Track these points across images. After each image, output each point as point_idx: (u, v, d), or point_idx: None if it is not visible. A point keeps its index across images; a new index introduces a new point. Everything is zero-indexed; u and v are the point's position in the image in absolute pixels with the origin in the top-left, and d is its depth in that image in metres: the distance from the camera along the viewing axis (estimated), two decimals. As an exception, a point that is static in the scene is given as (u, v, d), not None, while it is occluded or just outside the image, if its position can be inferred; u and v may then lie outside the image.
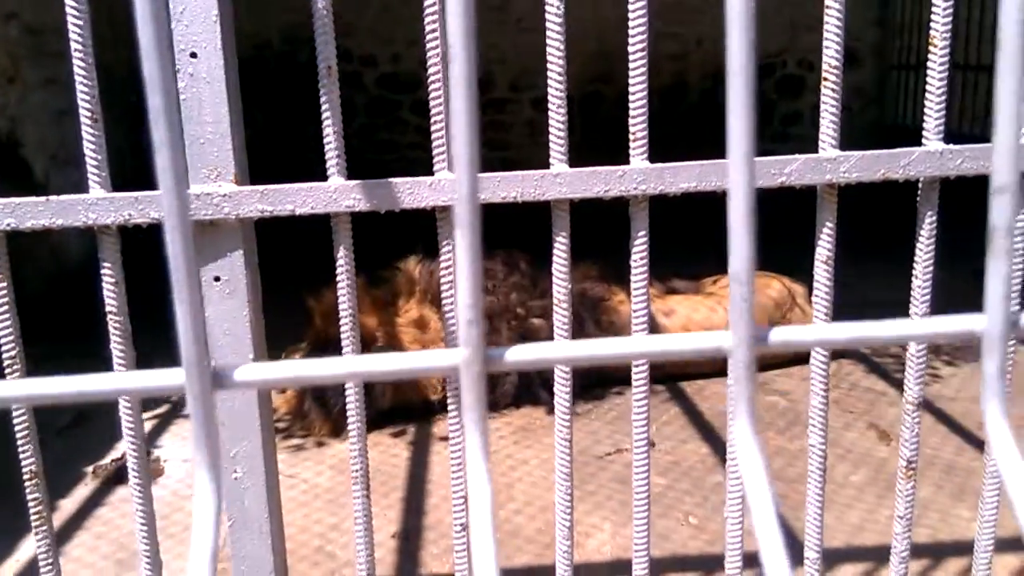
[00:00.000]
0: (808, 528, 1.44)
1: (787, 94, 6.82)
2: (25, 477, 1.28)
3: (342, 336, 1.27)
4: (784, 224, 3.75)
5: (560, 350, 0.26)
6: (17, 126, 4.07)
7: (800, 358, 3.38)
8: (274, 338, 2.66)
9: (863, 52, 6.60)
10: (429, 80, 1.14)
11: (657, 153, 1.18)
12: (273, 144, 5.93)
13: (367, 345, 3.01)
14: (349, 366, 0.27)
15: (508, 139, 6.65)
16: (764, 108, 6.75)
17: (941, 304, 3.69)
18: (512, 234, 3.65)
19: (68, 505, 2.62)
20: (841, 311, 3.74)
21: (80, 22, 1.01)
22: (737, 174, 0.22)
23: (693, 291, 3.59)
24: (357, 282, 3.32)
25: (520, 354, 0.26)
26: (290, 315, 3.22)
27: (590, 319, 3.30)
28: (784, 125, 6.78)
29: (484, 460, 0.23)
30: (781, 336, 0.26)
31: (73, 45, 1.02)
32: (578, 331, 3.30)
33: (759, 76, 6.81)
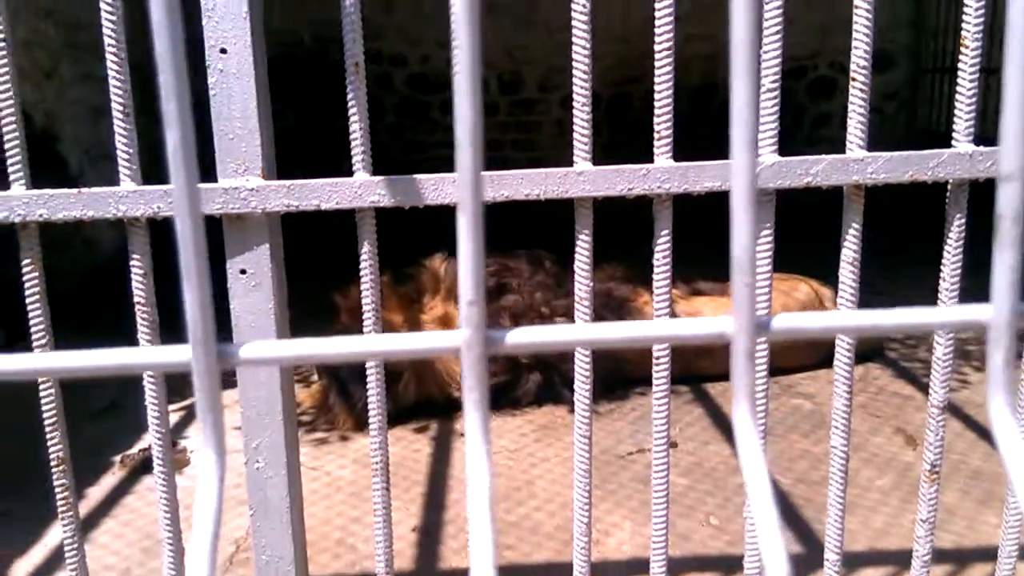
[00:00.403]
0: (828, 529, 1.43)
1: (818, 97, 6.76)
2: (52, 463, 1.31)
3: (364, 328, 1.28)
4: (813, 226, 3.72)
5: (561, 333, 0.26)
6: (54, 121, 4.14)
7: (826, 361, 3.35)
8: (300, 333, 2.67)
9: (896, 54, 6.52)
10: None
11: (686, 153, 1.18)
12: (303, 141, 5.98)
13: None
14: (353, 345, 0.27)
15: (536, 139, 6.65)
16: (795, 111, 6.69)
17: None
18: (537, 233, 3.65)
19: (96, 493, 2.67)
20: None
21: (113, 18, 1.03)
22: (740, 154, 0.23)
23: (719, 293, 3.57)
24: (383, 279, 3.35)
25: (521, 336, 0.26)
26: (317, 312, 3.26)
27: (613, 319, 3.29)
28: (815, 128, 6.72)
29: (484, 441, 0.23)
30: (784, 323, 0.26)
31: (106, 40, 1.04)
32: (602, 331, 3.29)
33: (789, 78, 6.75)
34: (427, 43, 6.53)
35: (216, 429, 0.25)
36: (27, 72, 3.85)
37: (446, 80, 6.47)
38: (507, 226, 4.70)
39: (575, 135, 1.16)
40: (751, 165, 0.23)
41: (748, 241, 0.24)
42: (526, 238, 3.63)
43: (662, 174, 1.16)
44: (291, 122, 6.10)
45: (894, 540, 2.33)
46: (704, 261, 3.70)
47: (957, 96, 1.22)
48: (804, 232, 3.78)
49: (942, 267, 1.29)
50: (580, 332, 0.26)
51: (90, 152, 4.50)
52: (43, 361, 0.25)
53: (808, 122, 6.73)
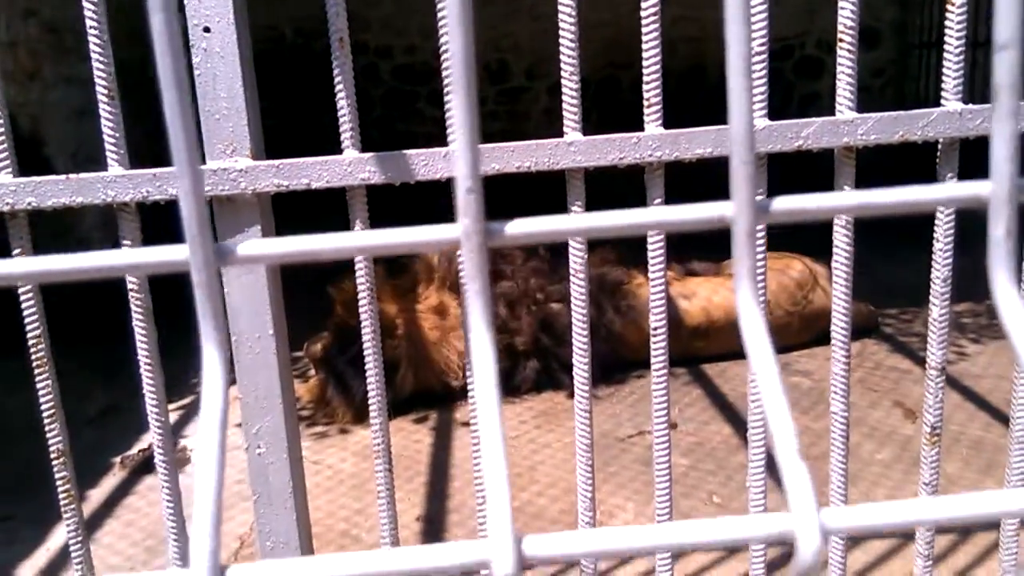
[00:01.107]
0: (832, 491, 1.43)
1: (805, 76, 6.76)
2: (52, 456, 1.30)
3: (360, 309, 1.28)
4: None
5: (563, 222, 0.26)
6: (39, 124, 4.12)
7: (823, 339, 3.35)
8: (296, 328, 2.67)
9: (883, 31, 6.52)
10: (442, 47, 1.15)
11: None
12: (289, 134, 5.95)
13: (388, 332, 3.02)
14: (353, 240, 0.27)
15: (525, 128, 6.63)
16: (783, 90, 6.69)
17: (963, 288, 3.62)
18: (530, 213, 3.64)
19: (97, 495, 2.66)
20: (864, 296, 3.68)
21: (93, 3, 1.02)
22: (734, 25, 0.22)
23: (713, 273, 3.57)
24: (377, 270, 3.33)
25: (521, 227, 0.26)
26: (313, 307, 3.25)
27: (609, 303, 3.29)
28: (803, 106, 6.72)
29: (487, 327, 0.23)
30: (783, 204, 0.26)
31: (88, 23, 1.03)
32: (597, 317, 3.30)
33: (777, 58, 6.74)
34: (412, 34, 6.51)
35: (217, 324, 0.24)
36: (11, 74, 3.82)
37: (432, 70, 6.45)
38: (500, 211, 4.69)
39: (564, 105, 1.15)
40: (746, 35, 0.23)
41: (745, 121, 0.23)
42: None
43: (653, 141, 1.15)
44: (275, 119, 6.07)
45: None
46: (698, 243, 3.70)
47: (945, 55, 1.22)
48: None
49: (935, 228, 1.29)
50: (576, 221, 0.25)
51: (76, 155, 4.48)
52: (35, 264, 0.24)
53: (796, 101, 6.73)
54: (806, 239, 3.43)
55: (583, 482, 1.43)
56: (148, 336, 1.22)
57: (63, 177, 1.10)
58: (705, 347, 3.33)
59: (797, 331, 3.37)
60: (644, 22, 1.10)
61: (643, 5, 1.09)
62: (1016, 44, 0.21)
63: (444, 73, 1.12)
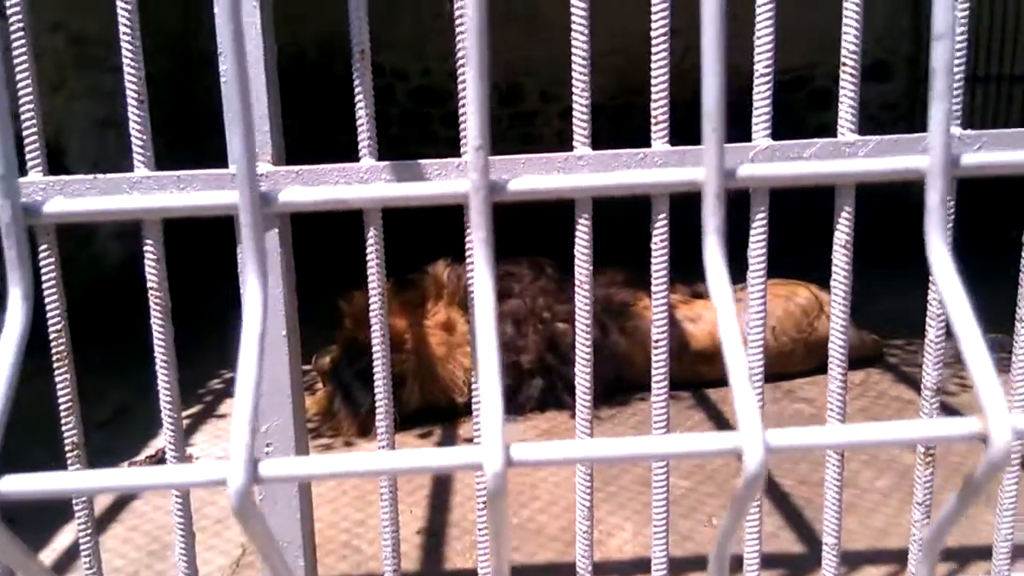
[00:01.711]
0: (826, 525, 1.46)
1: (816, 107, 6.82)
2: (67, 448, 1.33)
3: (370, 312, 1.32)
4: (814, 232, 3.75)
5: (562, 181, 0.29)
6: (61, 135, 4.20)
7: (825, 367, 3.37)
8: (305, 341, 2.71)
9: (895, 64, 6.58)
10: (456, 61, 1.19)
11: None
12: (308, 153, 6.03)
13: (396, 347, 3.06)
14: (372, 191, 0.30)
15: (537, 151, 6.69)
16: (794, 121, 6.74)
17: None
18: (538, 240, 3.69)
19: (103, 499, 2.68)
20: (869, 326, 3.69)
21: (128, 5, 1.08)
22: (708, 4, 0.26)
23: (719, 298, 3.59)
24: (386, 285, 3.36)
25: (525, 183, 0.29)
26: (322, 320, 3.29)
27: (614, 325, 3.32)
28: (813, 137, 6.76)
29: (490, 275, 0.26)
30: (748, 171, 0.29)
31: (121, 25, 1.08)
32: (602, 338, 3.33)
33: (788, 89, 6.80)
34: (428, 57, 6.60)
35: (259, 260, 0.28)
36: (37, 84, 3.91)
37: (447, 92, 6.53)
38: (508, 232, 4.72)
39: (575, 119, 1.19)
40: (721, 29, 0.27)
41: (716, 93, 0.27)
42: (527, 245, 3.66)
43: (659, 157, 1.19)
44: (296, 134, 6.16)
45: (894, 540, 2.34)
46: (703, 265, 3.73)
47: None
48: (805, 238, 3.81)
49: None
50: (580, 180, 0.29)
51: (98, 166, 4.56)
52: (76, 206, 0.28)
53: (807, 132, 6.78)
54: (812, 267, 3.46)
55: (582, 499, 1.45)
56: (165, 336, 1.26)
57: (91, 177, 1.15)
58: (710, 371, 3.35)
59: (802, 358, 3.39)
60: (654, 39, 1.14)
61: (653, 23, 1.13)
62: (950, 35, 0.25)
63: (459, 72, 1.17)
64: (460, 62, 1.21)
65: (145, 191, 1.17)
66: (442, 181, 0.28)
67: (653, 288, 1.34)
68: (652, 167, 1.19)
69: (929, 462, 1.46)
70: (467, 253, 1.31)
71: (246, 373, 0.26)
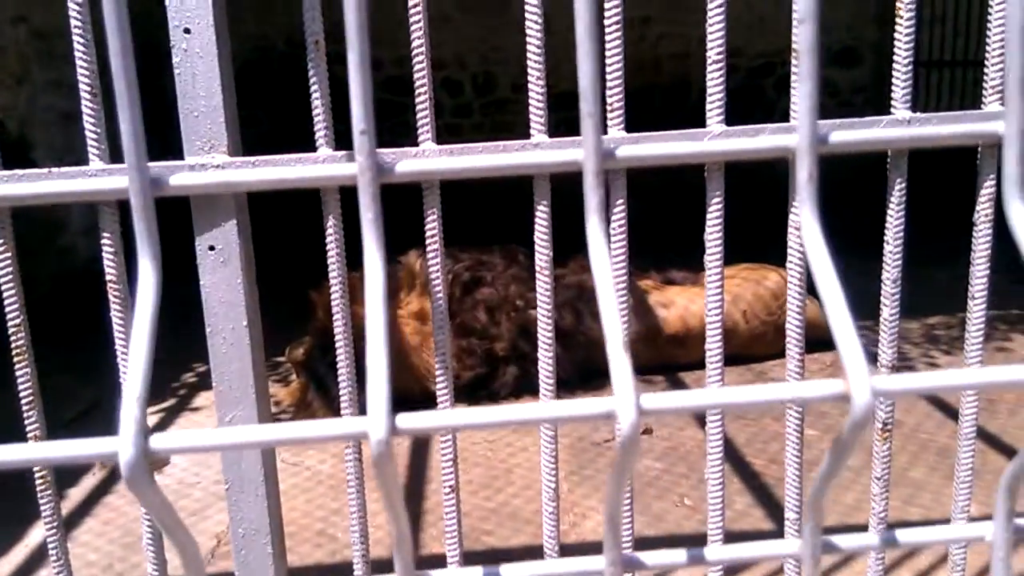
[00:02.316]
0: (788, 490, 1.48)
1: (786, 92, 6.86)
2: (36, 474, 1.33)
3: (332, 304, 1.32)
4: (784, 219, 3.79)
5: (453, 162, 0.30)
6: (26, 128, 4.15)
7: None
8: (279, 333, 2.70)
9: (863, 49, 6.64)
10: (413, 54, 1.20)
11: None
12: (277, 144, 6.00)
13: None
14: (270, 174, 0.31)
15: (509, 140, 6.70)
16: (765, 106, 6.79)
17: (937, 301, 3.66)
18: (510, 230, 3.70)
19: (76, 494, 2.68)
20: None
21: (79, 2, 1.07)
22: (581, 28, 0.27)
23: (692, 282, 3.63)
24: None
25: (410, 166, 0.30)
26: (295, 313, 3.29)
27: (588, 311, 3.34)
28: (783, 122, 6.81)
29: (380, 254, 0.27)
30: (628, 151, 0.31)
31: (72, 22, 1.08)
32: (576, 324, 3.35)
33: (759, 75, 6.84)
34: (401, 46, 6.58)
35: (151, 239, 0.29)
36: (-1, 80, 3.86)
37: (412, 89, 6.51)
38: (480, 222, 4.73)
39: (531, 108, 1.20)
40: (594, 12, 0.28)
41: (591, 76, 0.28)
42: (500, 234, 3.68)
43: (615, 144, 1.20)
44: (265, 125, 6.11)
45: (864, 515, 2.39)
46: (677, 253, 3.76)
47: (894, 68, 1.28)
48: (776, 224, 3.85)
49: (885, 231, 1.35)
50: (475, 160, 0.30)
51: (63, 160, 4.52)
52: (9, 190, 0.28)
53: (778, 117, 6.83)
54: (782, 252, 3.50)
55: (548, 480, 1.47)
56: (126, 331, 1.26)
57: (46, 170, 1.15)
58: (683, 355, 3.38)
59: (771, 340, 3.43)
60: (607, 25, 1.15)
61: (606, 9, 1.14)
62: (812, 18, 0.26)
63: (415, 63, 1.17)
64: (416, 52, 1.21)
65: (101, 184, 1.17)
66: (331, 167, 0.29)
67: (613, 260, 1.36)
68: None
69: (886, 438, 1.49)
70: (426, 241, 1.32)
71: (137, 348, 0.27)
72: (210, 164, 1.17)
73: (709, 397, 0.26)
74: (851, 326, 0.27)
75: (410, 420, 0.26)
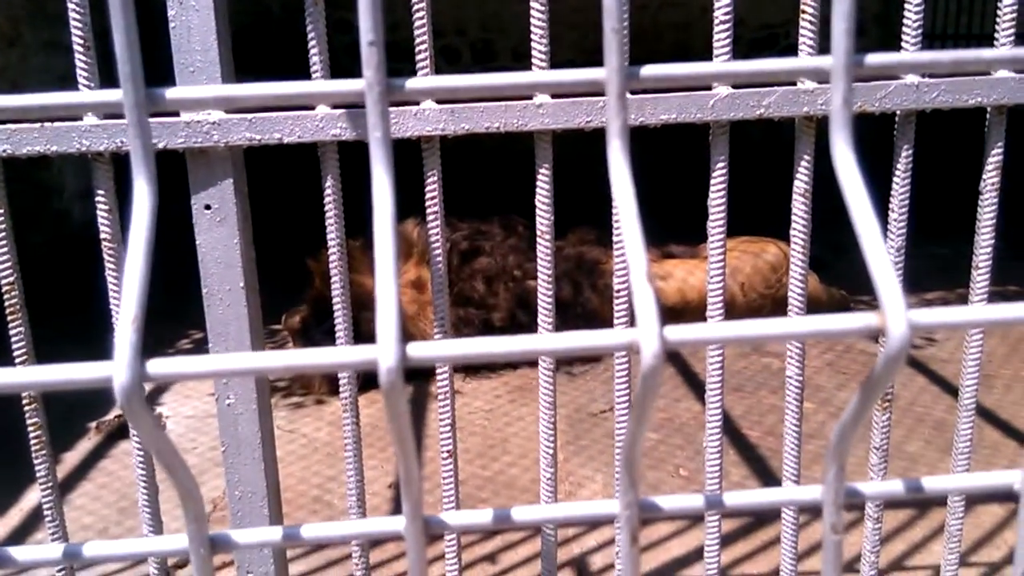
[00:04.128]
0: (786, 460, 1.48)
1: (789, 65, 6.82)
2: (25, 403, 1.32)
3: (331, 268, 1.31)
4: (786, 190, 3.76)
5: (459, 80, 0.29)
6: (19, 89, 4.10)
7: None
8: (275, 302, 2.68)
9: (867, 22, 6.58)
10: (413, 9, 1.17)
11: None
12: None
13: (365, 305, 3.05)
14: (273, 89, 0.30)
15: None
16: (766, 80, 6.74)
17: (935, 276, 3.67)
18: (509, 201, 3.68)
19: (72, 458, 2.68)
20: (839, 282, 3.74)
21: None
22: None
23: (690, 256, 3.62)
24: (355, 244, 3.34)
25: (421, 83, 0.29)
26: (293, 281, 3.27)
27: (587, 283, 3.33)
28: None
29: (387, 170, 0.26)
30: (652, 71, 0.29)
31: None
32: (574, 296, 3.34)
33: (763, 46, 6.78)
34: (396, 10, 6.50)
35: (146, 157, 0.27)
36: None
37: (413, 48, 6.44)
38: (478, 194, 4.70)
39: (534, 67, 1.18)
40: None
41: (618, -10, 0.27)
42: (498, 206, 3.66)
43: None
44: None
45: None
46: (676, 228, 3.74)
47: (904, 31, 1.26)
48: (778, 196, 3.84)
49: (891, 198, 1.33)
50: (490, 79, 0.29)
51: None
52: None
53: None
54: (783, 225, 3.48)
55: (545, 447, 1.47)
56: (118, 275, 1.24)
57: (38, 125, 1.12)
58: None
59: (770, 313, 3.43)
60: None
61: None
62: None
63: (416, 28, 1.15)
64: (417, 14, 1.19)
65: (95, 140, 1.15)
66: (337, 82, 0.28)
67: (614, 225, 1.35)
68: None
69: (886, 408, 1.48)
70: (425, 204, 1.30)
71: (132, 269, 0.25)
72: (206, 120, 1.15)
73: (735, 330, 0.25)
74: (887, 258, 0.25)
75: (421, 348, 0.25)
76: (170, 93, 0.29)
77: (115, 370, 0.22)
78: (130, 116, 0.27)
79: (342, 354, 0.25)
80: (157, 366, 0.23)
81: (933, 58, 0.29)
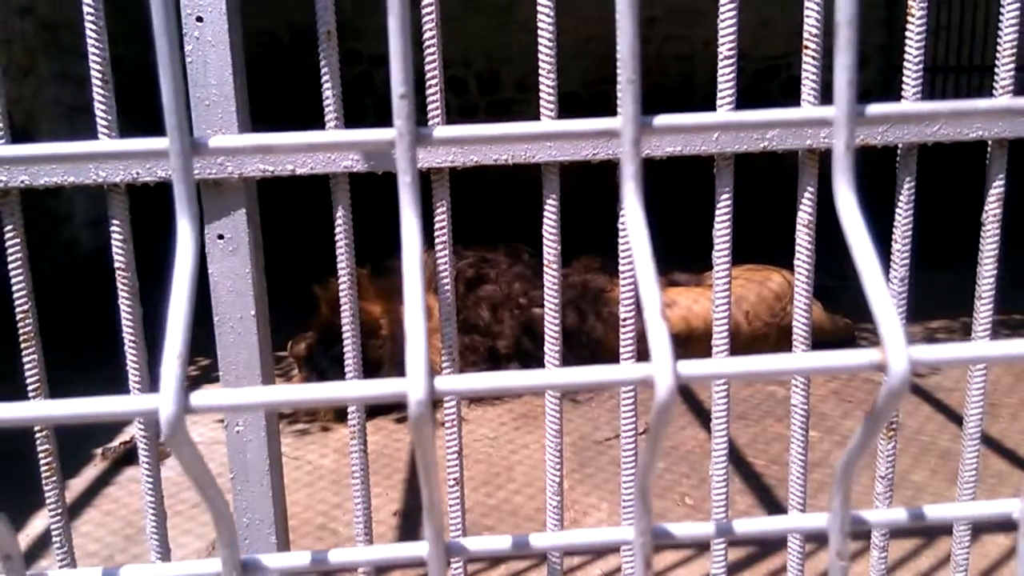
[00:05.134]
0: (792, 488, 1.48)
1: (791, 95, 6.87)
2: (35, 429, 1.33)
3: (340, 295, 1.32)
4: (791, 219, 3.79)
5: (486, 130, 0.31)
6: (32, 121, 4.15)
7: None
8: (282, 329, 2.70)
9: (870, 53, 6.65)
10: (424, 46, 1.20)
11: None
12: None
13: (371, 332, 3.07)
14: (309, 139, 0.32)
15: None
16: (769, 107, 6.79)
17: (939, 304, 3.66)
18: (514, 229, 3.70)
19: (77, 484, 2.68)
20: (843, 310, 3.76)
21: (92, -13, 1.07)
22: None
23: (695, 283, 3.63)
24: (362, 271, 3.35)
25: (448, 132, 0.30)
26: (299, 308, 3.28)
27: (591, 311, 3.34)
28: (789, 127, 6.81)
29: (415, 213, 0.28)
30: (665, 121, 0.31)
31: (85, 9, 1.08)
32: (580, 324, 3.35)
33: (764, 78, 6.85)
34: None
35: (190, 199, 0.29)
36: (5, 70, 3.86)
37: (423, 81, 6.52)
38: (484, 223, 4.73)
39: (542, 99, 1.20)
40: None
41: (631, 43, 0.28)
42: (505, 233, 3.68)
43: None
44: (270, 121, 6.11)
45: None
46: (680, 256, 3.76)
47: (904, 59, 1.28)
48: (780, 224, 3.86)
49: (894, 229, 1.35)
50: (497, 129, 0.30)
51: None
52: (26, 149, 0.28)
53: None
54: (786, 254, 3.50)
55: (552, 475, 1.47)
56: (134, 318, 1.26)
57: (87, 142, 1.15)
58: (684, 355, 3.38)
59: (775, 341, 3.43)
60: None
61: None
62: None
63: (426, 56, 1.17)
64: (427, 44, 1.21)
65: (111, 171, 1.17)
66: (369, 132, 0.30)
67: (620, 263, 1.36)
68: (618, 147, 1.20)
69: (891, 436, 1.49)
70: (434, 234, 1.32)
71: (177, 307, 0.27)
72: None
73: (745, 365, 0.27)
74: (887, 296, 0.27)
75: (449, 382, 0.26)
76: (213, 142, 0.30)
77: (161, 402, 0.24)
78: (175, 163, 0.28)
79: (374, 387, 0.26)
80: (201, 398, 0.25)
81: (933, 109, 0.30)
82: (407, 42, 0.28)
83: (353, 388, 0.26)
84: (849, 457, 0.30)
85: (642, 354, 1.86)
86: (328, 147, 0.32)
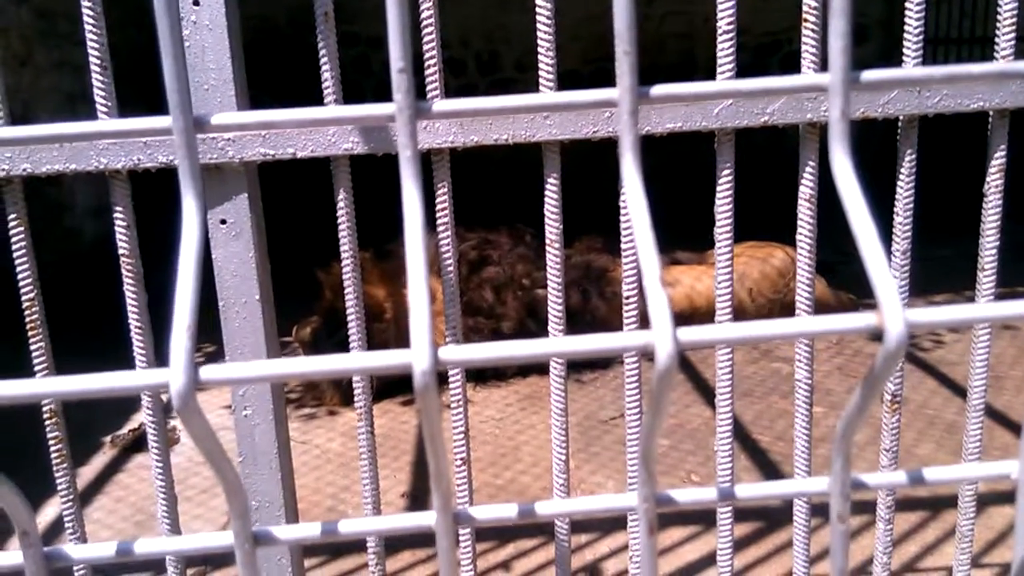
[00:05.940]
0: (797, 462, 1.49)
1: (791, 69, 6.83)
2: (45, 417, 1.34)
3: (343, 279, 1.33)
4: (793, 196, 3.78)
5: (485, 103, 0.31)
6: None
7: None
8: (286, 314, 2.70)
9: (870, 27, 6.60)
10: (422, 26, 1.20)
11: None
12: (282, 128, 5.97)
13: (376, 316, 3.07)
14: (313, 113, 0.32)
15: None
16: (770, 86, 6.75)
17: (943, 278, 3.67)
18: (518, 210, 3.70)
19: (87, 472, 2.70)
20: (846, 286, 3.75)
21: (89, -28, 1.07)
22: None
23: (696, 262, 3.63)
24: (365, 255, 3.36)
25: (447, 105, 0.31)
26: (303, 293, 3.29)
27: (594, 291, 3.35)
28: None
29: (416, 186, 0.28)
30: (662, 90, 0.31)
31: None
32: (583, 303, 3.35)
33: (765, 53, 6.80)
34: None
35: (194, 176, 0.29)
36: (2, 59, 3.85)
37: (420, 60, 6.49)
38: (486, 205, 4.72)
39: (541, 78, 1.20)
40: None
41: (627, 16, 0.29)
42: (507, 215, 3.68)
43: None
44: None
45: (869, 492, 2.40)
46: (682, 235, 3.76)
47: (905, 34, 1.27)
48: (783, 201, 3.85)
49: (895, 202, 1.35)
50: (497, 102, 0.31)
51: (70, 142, 4.51)
52: (32, 132, 0.29)
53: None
54: (788, 230, 3.49)
55: (558, 453, 1.48)
56: (138, 304, 1.27)
57: (56, 144, 1.15)
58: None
59: (778, 318, 3.44)
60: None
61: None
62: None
63: (423, 33, 1.17)
64: (425, 24, 1.21)
65: (112, 157, 1.18)
66: (370, 106, 0.30)
67: (622, 244, 1.37)
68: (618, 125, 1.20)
69: (896, 409, 1.49)
70: (436, 215, 1.32)
71: (184, 281, 0.27)
72: (221, 137, 1.18)
73: (745, 331, 0.27)
74: (884, 261, 0.27)
75: (451, 352, 0.27)
76: (215, 119, 0.31)
77: (172, 376, 0.24)
78: (179, 140, 0.29)
79: (380, 358, 0.27)
80: (210, 372, 0.25)
81: (926, 74, 0.31)
82: (405, 15, 0.28)
83: (359, 360, 0.26)
84: (848, 420, 0.30)
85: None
86: (329, 122, 0.32)
